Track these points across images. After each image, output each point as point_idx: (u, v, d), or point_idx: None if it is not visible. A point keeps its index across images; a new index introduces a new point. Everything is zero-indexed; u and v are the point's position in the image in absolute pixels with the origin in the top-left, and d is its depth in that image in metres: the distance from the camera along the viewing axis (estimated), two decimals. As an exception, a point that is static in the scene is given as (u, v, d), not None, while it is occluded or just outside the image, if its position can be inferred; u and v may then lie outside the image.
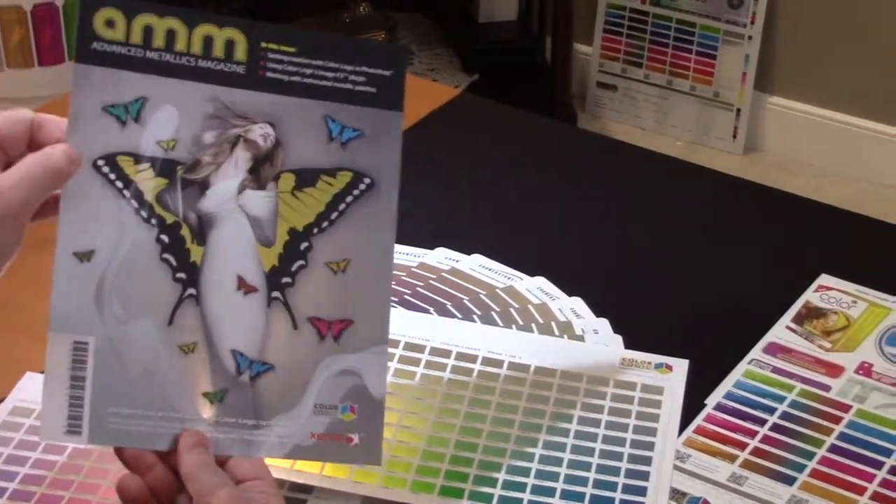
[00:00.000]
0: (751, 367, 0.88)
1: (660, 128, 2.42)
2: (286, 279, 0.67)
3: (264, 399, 0.67)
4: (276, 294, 0.67)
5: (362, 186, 0.68)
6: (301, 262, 0.68)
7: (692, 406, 0.84)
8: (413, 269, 0.97)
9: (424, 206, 1.04)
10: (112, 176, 0.66)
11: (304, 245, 0.68)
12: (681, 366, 0.87)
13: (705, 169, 1.16)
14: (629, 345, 0.89)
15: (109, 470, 0.77)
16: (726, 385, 0.86)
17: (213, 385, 0.66)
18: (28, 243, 0.66)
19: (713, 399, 0.85)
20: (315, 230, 0.68)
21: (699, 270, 1.00)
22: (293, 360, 0.67)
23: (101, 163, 0.66)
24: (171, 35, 0.66)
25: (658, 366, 0.87)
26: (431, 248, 0.99)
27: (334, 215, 0.68)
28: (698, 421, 0.83)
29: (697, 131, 2.40)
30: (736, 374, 0.87)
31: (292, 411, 0.67)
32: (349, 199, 0.68)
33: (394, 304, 0.91)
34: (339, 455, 0.68)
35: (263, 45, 0.67)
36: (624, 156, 1.18)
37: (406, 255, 0.98)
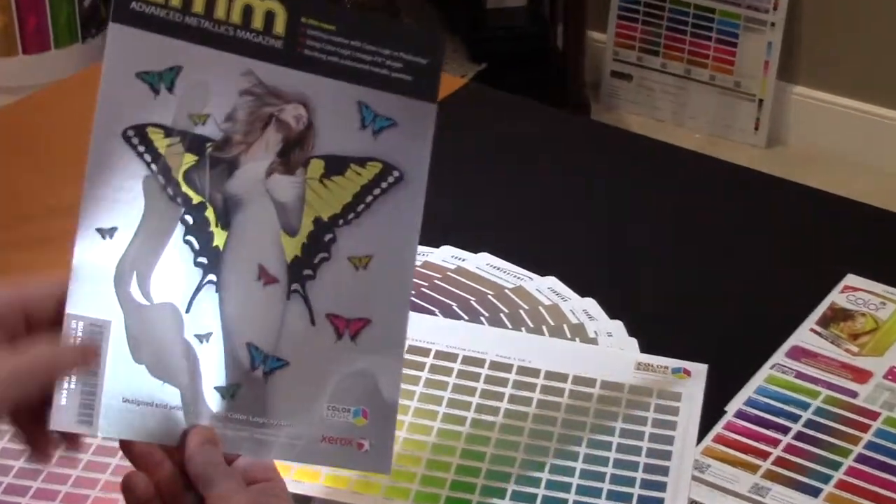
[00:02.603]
0: (773, 372, 0.88)
1: (678, 119, 2.42)
2: (308, 271, 0.68)
3: (277, 397, 0.67)
4: (296, 287, 0.68)
5: (391, 179, 0.69)
6: (324, 254, 0.68)
7: (711, 413, 0.84)
8: (417, 269, 0.97)
9: (429, 201, 1.04)
10: (141, 148, 0.66)
11: (328, 236, 0.68)
12: (699, 371, 0.87)
13: (726, 163, 1.16)
14: (645, 348, 0.89)
15: (108, 464, 0.77)
16: (747, 391, 0.86)
17: (227, 378, 0.66)
18: (15, 242, 0.66)
19: (733, 406, 0.85)
20: (340, 221, 0.68)
21: (719, 270, 1.00)
22: (308, 358, 0.67)
23: (130, 133, 0.66)
24: (210, 1, 0.66)
25: (675, 371, 0.87)
26: (437, 245, 0.99)
27: (360, 207, 0.68)
28: (718, 429, 0.83)
29: (717, 123, 2.39)
30: (757, 379, 0.87)
31: (304, 411, 0.67)
32: (377, 191, 0.69)
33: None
34: (347, 461, 0.68)
35: (304, 20, 0.67)
36: (640, 149, 1.18)
37: (410, 254, 0.98)
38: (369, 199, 0.69)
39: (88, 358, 0.64)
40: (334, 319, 0.68)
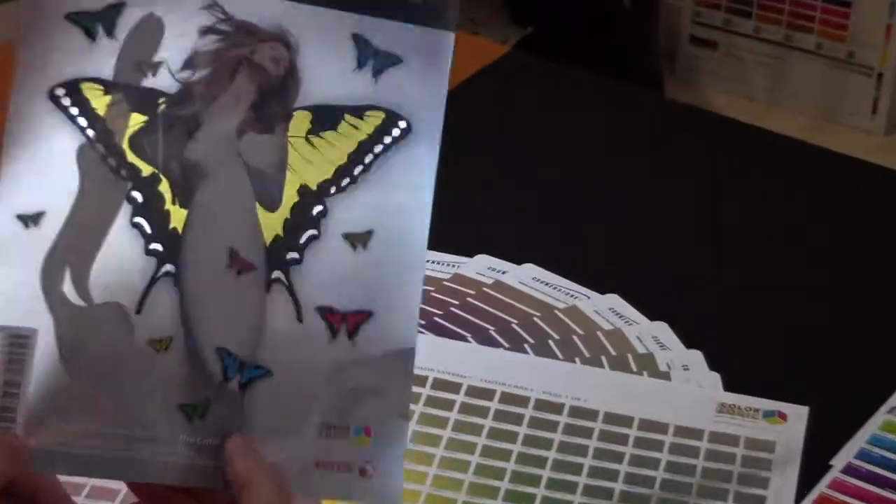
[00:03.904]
0: (891, 417, 0.88)
1: (775, 98, 2.42)
2: (292, 254, 0.67)
3: (257, 414, 0.67)
4: (277, 274, 0.67)
5: (396, 132, 0.68)
6: (312, 231, 0.68)
7: (814, 468, 0.84)
8: (445, 283, 0.97)
9: (461, 199, 1.04)
10: (74, 110, 0.66)
11: (317, 209, 0.68)
12: (798, 414, 0.87)
13: (836, 154, 1.16)
14: (730, 385, 0.89)
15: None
16: (859, 441, 0.87)
17: (192, 394, 0.66)
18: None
19: (841, 459, 0.86)
20: (333, 189, 0.68)
21: (823, 289, 1.00)
22: (296, 364, 0.67)
23: (59, 92, 0.66)
24: None
25: (768, 414, 0.87)
26: (470, 255, 1.00)
27: (358, 170, 0.68)
28: (822, 487, 0.84)
29: (825, 103, 2.39)
30: (871, 426, 0.88)
31: (292, 431, 0.67)
32: (378, 147, 0.68)
33: (420, 329, 0.92)
34: (347, 490, 0.67)
35: None
36: (726, 136, 1.18)
37: (436, 265, 0.99)
38: (369, 158, 0.68)
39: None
40: (327, 314, 0.67)
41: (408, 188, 0.68)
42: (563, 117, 1.17)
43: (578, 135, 1.15)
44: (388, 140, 0.68)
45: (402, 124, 0.68)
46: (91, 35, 0.66)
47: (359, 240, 0.68)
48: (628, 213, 1.07)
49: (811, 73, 2.39)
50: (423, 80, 0.68)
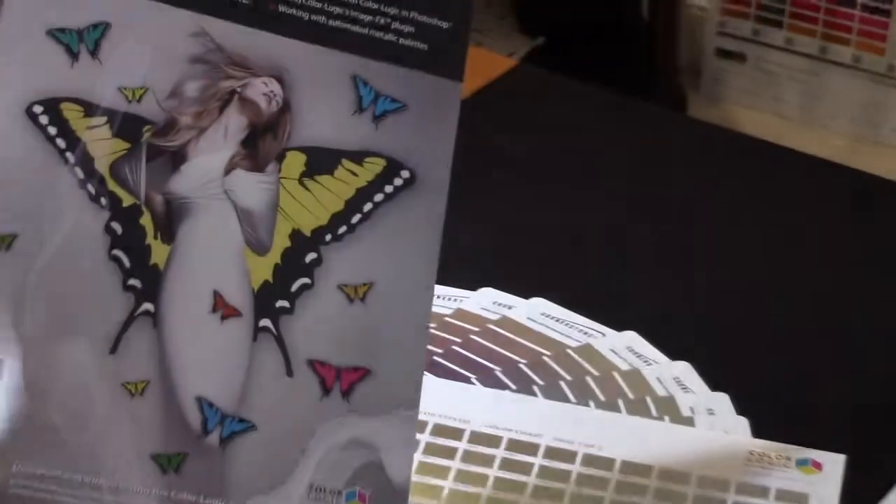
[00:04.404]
0: (937, 466, 0.88)
1: (809, 116, 2.42)
2: (282, 302, 0.68)
3: (239, 472, 0.67)
4: (265, 323, 0.68)
5: (398, 182, 0.69)
6: (305, 279, 0.68)
7: (851, 522, 0.85)
8: (447, 319, 0.97)
9: (464, 227, 1.04)
10: (52, 130, 0.67)
11: (310, 256, 0.69)
12: (834, 463, 0.87)
13: (876, 178, 1.16)
14: (759, 431, 0.89)
15: None
16: (901, 492, 0.87)
17: (168, 445, 0.67)
18: None
19: (882, 512, 0.86)
20: (328, 237, 0.69)
21: (861, 327, 1.00)
22: (283, 420, 0.68)
23: (37, 109, 0.67)
24: None
25: (801, 462, 0.87)
26: (473, 288, 1.00)
27: (356, 218, 0.69)
28: (860, 544, 0.84)
29: (864, 122, 2.39)
30: (915, 476, 0.88)
31: (277, 493, 0.67)
32: (379, 197, 0.69)
33: (418, 370, 0.92)
34: None
35: None
36: (755, 158, 1.18)
37: (436, 300, 0.98)
38: (368, 206, 0.69)
39: None
40: (320, 368, 0.68)
41: (412, 241, 0.69)
42: (575, 138, 1.17)
43: (593, 157, 1.15)
44: (389, 189, 0.69)
45: (405, 174, 0.69)
46: (73, 54, 0.67)
47: (356, 292, 0.68)
48: (647, 243, 1.07)
49: (848, 88, 2.39)
50: (428, 130, 0.69)
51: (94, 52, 0.67)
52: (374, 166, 0.69)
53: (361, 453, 0.68)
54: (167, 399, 0.67)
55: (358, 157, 0.69)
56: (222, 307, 0.68)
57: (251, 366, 0.67)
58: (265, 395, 0.67)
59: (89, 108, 0.67)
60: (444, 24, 0.69)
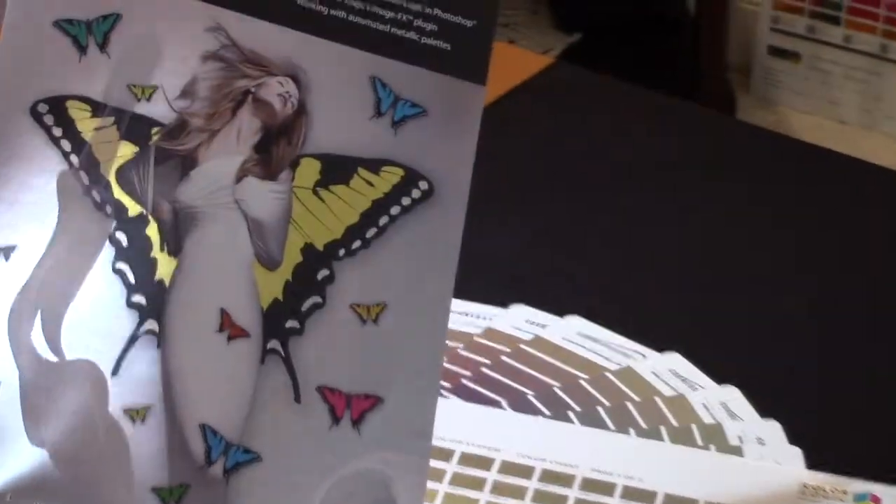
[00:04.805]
0: None
1: (870, 120, 2.42)
2: (292, 323, 0.68)
3: None
4: (273, 344, 0.68)
5: (416, 193, 0.69)
6: (316, 298, 0.69)
7: (913, 563, 0.84)
8: (476, 339, 0.97)
9: (494, 238, 1.04)
10: (57, 131, 0.67)
11: (322, 273, 0.69)
12: (895, 497, 0.87)
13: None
14: (813, 462, 0.89)
15: None
16: (968, 530, 0.86)
17: (169, 476, 0.67)
18: None
19: (947, 552, 0.85)
20: (341, 252, 0.69)
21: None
22: (290, 451, 0.68)
23: (42, 108, 0.67)
24: None
25: (860, 497, 0.87)
26: (503, 305, 1.00)
27: (371, 232, 0.69)
28: (923, 586, 0.83)
29: (927, 126, 2.39)
30: (984, 512, 0.87)
31: None
32: (395, 209, 0.69)
33: (444, 394, 0.92)
34: None
35: None
36: (810, 165, 1.18)
37: (465, 318, 0.98)
38: (384, 220, 0.69)
39: None
40: (329, 395, 0.68)
41: (428, 257, 0.69)
42: (614, 141, 1.17)
43: (633, 162, 1.15)
44: (406, 202, 0.69)
45: (424, 185, 0.69)
46: (81, 47, 0.67)
47: (369, 313, 0.69)
48: (692, 257, 1.06)
49: (911, 90, 2.39)
50: (448, 137, 0.69)
51: (102, 46, 0.67)
52: (392, 176, 0.69)
53: (371, 486, 0.68)
54: (169, 426, 0.67)
55: (375, 165, 0.69)
56: (229, 326, 0.68)
57: (258, 391, 0.67)
58: (271, 423, 0.68)
59: (96, 108, 0.67)
60: (469, 23, 0.69)
